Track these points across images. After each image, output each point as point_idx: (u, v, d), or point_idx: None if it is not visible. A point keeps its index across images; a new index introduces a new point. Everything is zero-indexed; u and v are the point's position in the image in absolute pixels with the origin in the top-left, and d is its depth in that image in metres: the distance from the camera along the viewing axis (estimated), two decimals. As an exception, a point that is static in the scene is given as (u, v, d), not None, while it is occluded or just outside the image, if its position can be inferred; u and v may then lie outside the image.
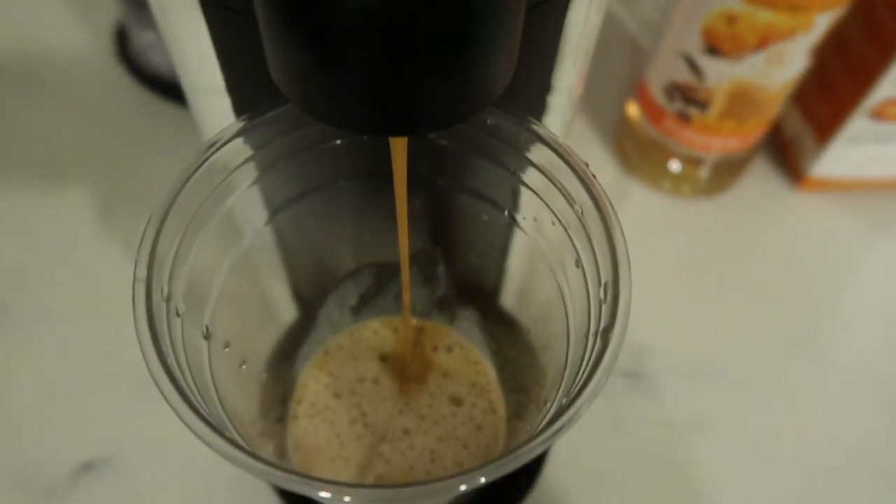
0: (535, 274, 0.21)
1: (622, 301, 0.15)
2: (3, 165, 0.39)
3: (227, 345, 0.19)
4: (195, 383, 0.16)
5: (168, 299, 0.16)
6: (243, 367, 0.21)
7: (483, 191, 0.21)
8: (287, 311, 0.25)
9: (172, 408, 0.13)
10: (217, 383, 0.18)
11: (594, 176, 0.17)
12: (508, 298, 0.25)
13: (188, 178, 0.17)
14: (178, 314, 0.16)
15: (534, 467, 0.28)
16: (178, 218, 0.17)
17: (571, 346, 0.18)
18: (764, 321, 0.37)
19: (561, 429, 0.13)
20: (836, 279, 0.39)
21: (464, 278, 0.25)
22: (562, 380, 0.18)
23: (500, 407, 0.25)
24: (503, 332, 0.25)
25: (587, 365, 0.15)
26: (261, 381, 0.23)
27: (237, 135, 0.17)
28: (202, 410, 0.14)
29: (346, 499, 0.13)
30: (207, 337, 0.18)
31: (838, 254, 0.40)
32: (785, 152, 0.43)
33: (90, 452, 0.30)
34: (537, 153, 0.18)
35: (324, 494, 0.13)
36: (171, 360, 0.15)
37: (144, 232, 0.16)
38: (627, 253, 0.16)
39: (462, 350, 0.27)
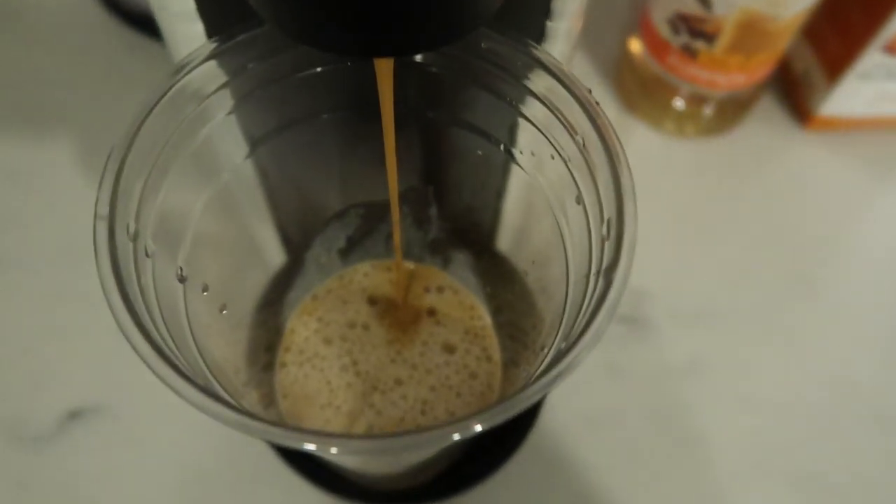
0: (532, 213, 0.20)
1: (627, 237, 0.14)
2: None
3: (205, 288, 0.18)
4: (168, 330, 0.15)
5: (135, 238, 0.15)
6: (224, 312, 0.20)
7: (477, 123, 0.19)
8: (271, 254, 0.24)
9: (138, 353, 0.12)
10: (195, 329, 0.17)
11: (598, 103, 0.15)
12: (504, 239, 0.24)
13: (155, 105, 0.15)
14: (147, 254, 0.15)
15: (530, 414, 0.27)
16: (146, 148, 0.15)
17: (571, 287, 0.17)
18: (765, 263, 0.36)
19: (560, 374, 0.12)
20: (840, 221, 0.38)
21: (457, 219, 0.24)
22: (560, 324, 0.17)
23: (496, 354, 0.24)
24: (499, 275, 0.24)
25: (588, 307, 0.14)
26: (245, 327, 0.22)
27: (209, 58, 0.16)
28: (175, 358, 0.13)
29: (333, 450, 0.12)
30: (183, 279, 0.17)
31: (843, 195, 0.39)
32: (792, 91, 0.41)
33: (78, 400, 0.29)
34: (536, 80, 0.17)
35: (308, 447, 0.12)
36: (138, 304, 0.13)
37: (106, 164, 0.14)
38: (633, 184, 0.15)
39: (456, 295, 0.26)
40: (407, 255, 0.26)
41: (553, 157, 0.17)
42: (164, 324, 0.15)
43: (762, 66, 0.36)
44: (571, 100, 0.16)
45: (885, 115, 0.39)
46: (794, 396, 0.32)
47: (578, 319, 0.15)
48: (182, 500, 0.27)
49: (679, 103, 0.39)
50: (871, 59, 0.35)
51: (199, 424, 0.29)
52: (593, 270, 0.15)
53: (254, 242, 0.22)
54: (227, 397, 0.14)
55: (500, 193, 0.21)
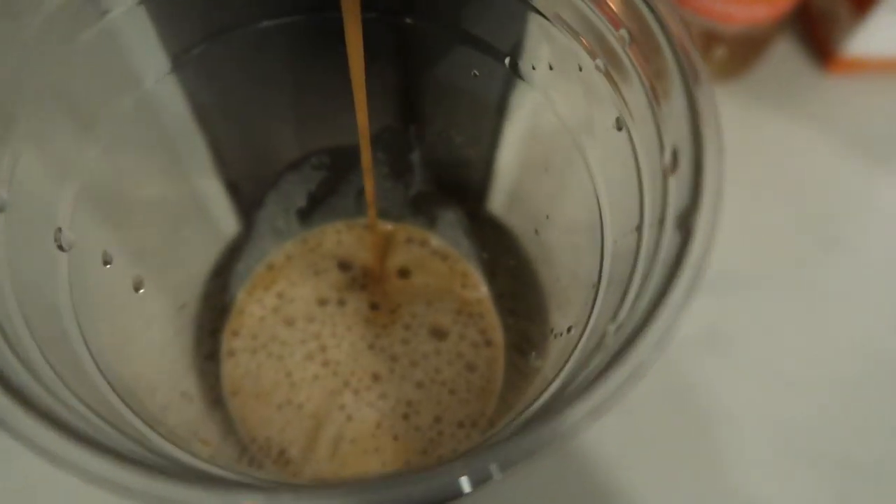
0: (546, 150, 0.15)
1: (709, 168, 0.09)
2: None
3: (107, 260, 0.13)
4: (29, 327, 0.10)
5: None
6: (141, 291, 0.15)
7: (472, 29, 0.14)
8: (210, 214, 0.18)
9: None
10: (87, 324, 0.12)
11: (653, -22, 0.11)
12: (506, 189, 0.19)
13: None
14: (-3, 208, 0.10)
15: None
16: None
17: (609, 247, 0.12)
18: (787, 222, 0.33)
19: (627, 379, 0.08)
20: (868, 174, 0.35)
21: (445, 167, 0.19)
22: (596, 297, 0.12)
23: (497, 336, 0.20)
24: (499, 235, 0.19)
25: (652, 273, 0.10)
26: (175, 309, 0.17)
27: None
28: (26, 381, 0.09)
29: None
30: (66, 247, 0.12)
31: (869, 144, 0.36)
32: (813, 31, 0.38)
33: None
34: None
35: None
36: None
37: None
38: (713, 95, 0.10)
39: (445, 261, 0.21)
40: (384, 214, 0.21)
41: (581, 69, 0.13)
42: (21, 316, 0.10)
43: (786, -5, 0.32)
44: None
45: (919, 53, 0.36)
46: (823, 370, 0.29)
47: (628, 294, 0.10)
48: None
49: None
50: (911, -16, 0.31)
51: None
52: (648, 221, 0.11)
53: (183, 198, 0.17)
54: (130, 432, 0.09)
55: (500, 127, 0.16)
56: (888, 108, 0.37)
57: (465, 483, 0.07)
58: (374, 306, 0.21)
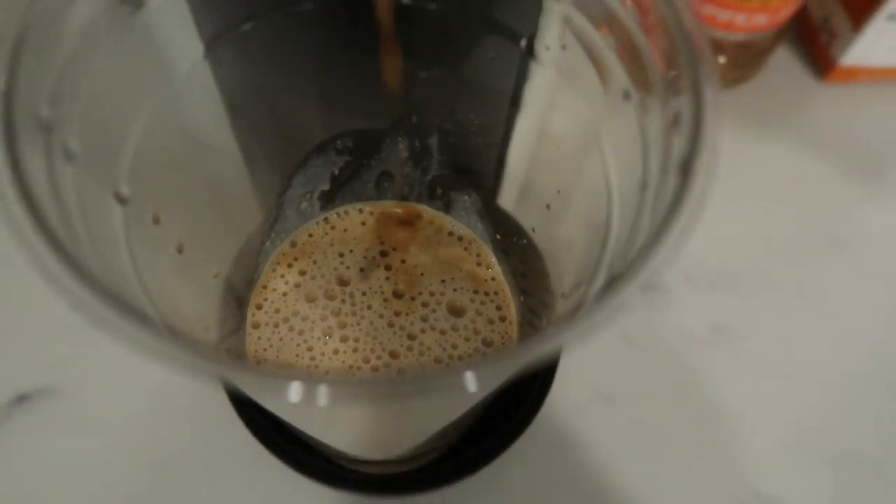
0: (558, 125, 0.16)
1: (709, 119, 0.10)
2: None
3: (156, 219, 0.15)
4: (102, 259, 0.11)
5: (48, 130, 0.11)
6: (183, 253, 0.16)
7: (491, 14, 0.15)
8: (239, 193, 0.20)
9: (34, 264, 0.09)
10: (143, 269, 0.13)
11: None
12: (519, 170, 0.20)
13: None
14: (68, 157, 0.11)
15: (539, 389, 0.23)
16: (56, 18, 0.11)
17: (615, 206, 0.14)
18: (788, 223, 0.34)
19: (634, 289, 0.09)
20: (866, 178, 0.36)
21: (462, 151, 0.20)
22: (602, 252, 0.13)
23: (510, 312, 0.21)
24: (511, 217, 0.20)
25: (657, 214, 0.11)
26: (211, 279, 0.18)
27: None
28: (102, 283, 0.10)
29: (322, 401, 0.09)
30: (123, 201, 0.13)
31: (865, 150, 0.36)
32: (811, 41, 0.39)
33: (25, 384, 0.26)
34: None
35: (293, 396, 0.09)
36: (43, 204, 0.10)
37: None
38: (714, 60, 0.11)
39: (461, 242, 0.22)
40: (402, 197, 0.22)
41: (591, 46, 0.14)
42: (89, 238, 0.11)
43: (786, 3, 0.33)
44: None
45: (914, 62, 0.37)
46: (825, 367, 0.29)
47: (636, 241, 0.11)
48: (138, 485, 0.24)
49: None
50: (904, -4, 0.32)
51: (157, 405, 0.26)
52: (653, 175, 0.12)
53: (216, 176, 0.18)
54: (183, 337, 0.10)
55: (513, 110, 0.18)
56: (883, 115, 0.37)
57: (470, 380, 0.08)
58: (394, 286, 0.22)
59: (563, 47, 0.15)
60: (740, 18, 0.33)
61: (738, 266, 0.32)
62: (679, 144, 0.11)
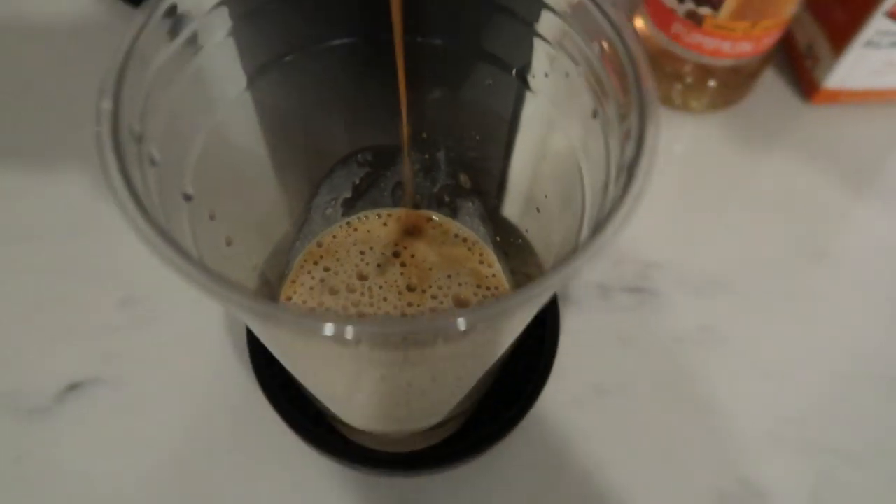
0: (543, 139, 0.19)
1: (650, 130, 0.13)
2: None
3: (212, 215, 0.18)
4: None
5: (139, 141, 0.14)
6: (231, 246, 0.19)
7: (487, 48, 0.19)
8: (273, 201, 0.23)
9: (141, 235, 0.12)
10: (201, 252, 0.16)
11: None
12: (515, 180, 0.23)
13: (147, 22, 0.15)
14: (153, 162, 0.15)
15: (535, 384, 0.26)
16: (145, 59, 0.15)
17: (588, 206, 0.17)
18: (773, 235, 0.35)
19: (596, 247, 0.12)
20: (848, 193, 0.37)
21: (465, 165, 0.23)
22: (577, 239, 0.16)
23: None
24: (508, 220, 0.24)
25: (611, 203, 0.14)
26: (250, 270, 0.21)
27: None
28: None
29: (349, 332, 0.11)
30: (188, 198, 0.16)
31: (850, 168, 0.38)
32: (797, 65, 0.41)
33: (77, 372, 0.29)
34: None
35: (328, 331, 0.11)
36: (143, 196, 0.13)
37: (106, 73, 0.14)
38: (655, 86, 0.14)
39: (465, 243, 0.25)
40: (414, 204, 0.25)
41: (568, 75, 0.17)
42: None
43: (768, 33, 0.36)
44: (589, 7, 0.16)
45: (891, 86, 0.39)
46: (806, 365, 0.31)
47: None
48: (183, 471, 0.26)
49: (684, 76, 0.38)
50: (876, 25, 0.35)
51: (201, 395, 0.28)
52: (612, 176, 0.15)
53: (256, 183, 0.22)
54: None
55: (510, 131, 0.21)
56: (866, 135, 0.39)
57: (461, 322, 0.11)
58: (408, 280, 0.25)
59: (546, 75, 0.18)
60: (726, 46, 0.36)
61: (727, 273, 0.33)
62: (628, 152, 0.14)
